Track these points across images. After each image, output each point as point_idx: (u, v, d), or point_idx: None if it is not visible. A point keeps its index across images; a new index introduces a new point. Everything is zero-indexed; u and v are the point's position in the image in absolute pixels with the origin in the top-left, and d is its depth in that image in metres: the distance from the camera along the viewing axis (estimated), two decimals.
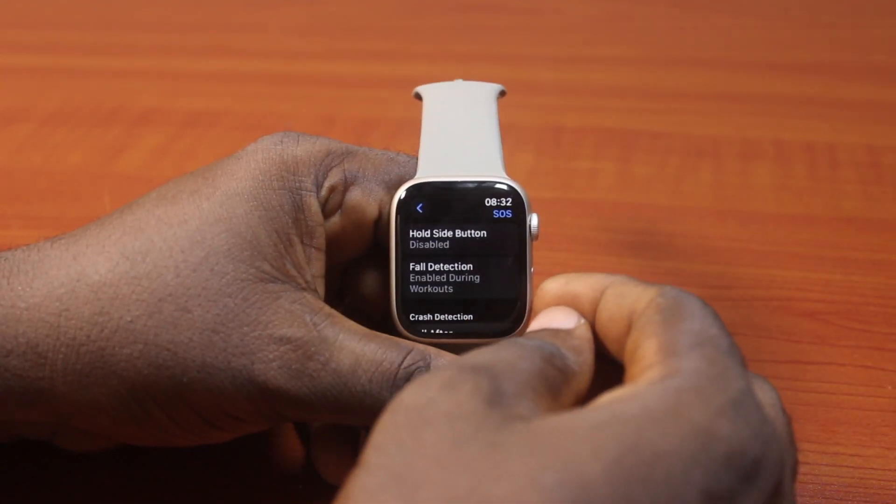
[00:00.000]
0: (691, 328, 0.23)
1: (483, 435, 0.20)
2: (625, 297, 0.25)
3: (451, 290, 0.29)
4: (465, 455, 0.20)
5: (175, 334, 0.26)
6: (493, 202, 0.29)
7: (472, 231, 0.29)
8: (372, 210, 0.30)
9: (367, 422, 0.24)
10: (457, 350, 0.28)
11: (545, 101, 0.60)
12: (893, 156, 0.53)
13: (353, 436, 0.30)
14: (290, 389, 0.27)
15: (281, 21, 0.74)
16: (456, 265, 0.29)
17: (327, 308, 0.28)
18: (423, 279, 0.29)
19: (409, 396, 0.21)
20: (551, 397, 0.23)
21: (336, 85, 0.63)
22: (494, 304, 0.29)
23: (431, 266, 0.29)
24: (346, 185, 0.30)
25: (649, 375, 0.22)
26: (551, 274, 0.28)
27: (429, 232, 0.29)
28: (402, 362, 0.27)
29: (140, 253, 0.27)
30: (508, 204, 0.29)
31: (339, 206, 0.30)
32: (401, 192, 0.29)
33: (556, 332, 0.25)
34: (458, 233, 0.29)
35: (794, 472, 0.24)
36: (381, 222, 0.30)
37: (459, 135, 0.31)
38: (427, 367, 0.27)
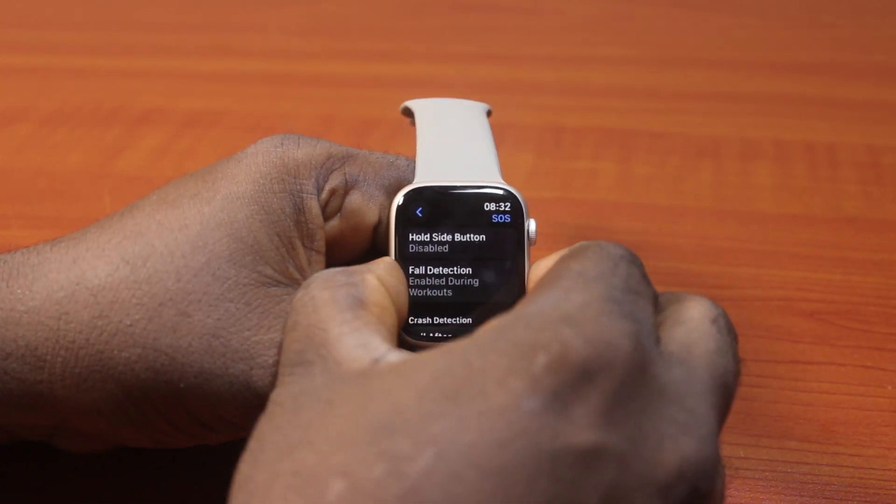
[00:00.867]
0: (570, 266, 0.23)
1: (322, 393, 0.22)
2: None
3: (450, 294, 0.29)
4: (304, 416, 0.22)
5: (174, 339, 0.26)
6: (491, 207, 0.29)
7: (471, 235, 0.29)
8: (372, 214, 0.30)
9: None
10: None
11: (545, 101, 0.60)
12: (893, 156, 0.53)
13: None
14: None
15: (281, 21, 0.74)
16: (455, 269, 0.29)
17: None
18: (422, 283, 0.29)
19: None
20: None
21: (336, 85, 0.63)
22: (493, 308, 0.29)
23: (430, 270, 0.29)
24: (347, 188, 0.30)
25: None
26: None
27: (428, 236, 0.29)
28: None
29: (140, 257, 0.26)
30: (507, 209, 0.29)
31: (339, 209, 0.30)
32: (400, 197, 0.29)
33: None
34: (457, 237, 0.29)
35: (727, 387, 0.23)
36: (380, 226, 0.30)
37: (455, 142, 0.31)
38: None
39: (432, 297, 0.29)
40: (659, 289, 0.39)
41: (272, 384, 0.26)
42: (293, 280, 0.28)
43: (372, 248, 0.31)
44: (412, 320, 0.29)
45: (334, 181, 0.29)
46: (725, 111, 0.58)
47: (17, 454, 0.32)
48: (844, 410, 0.35)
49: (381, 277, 0.26)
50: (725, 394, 0.23)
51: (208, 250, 0.27)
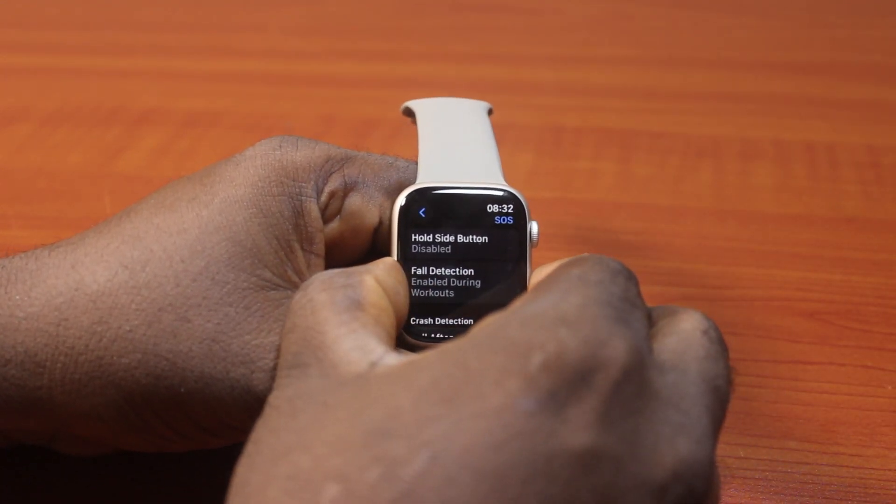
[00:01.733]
0: (570, 271, 0.23)
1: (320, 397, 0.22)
2: None
3: (453, 295, 0.29)
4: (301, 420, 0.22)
5: (174, 344, 0.26)
6: (494, 209, 0.29)
7: (474, 237, 0.29)
8: (372, 216, 0.29)
9: None
10: None
11: (545, 101, 0.60)
12: (893, 156, 0.53)
13: None
14: None
15: (281, 21, 0.74)
16: (457, 270, 0.29)
17: None
18: (424, 283, 0.29)
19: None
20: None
21: (336, 85, 0.63)
22: (494, 309, 0.29)
23: (433, 270, 0.29)
24: (346, 190, 0.29)
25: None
26: None
27: (430, 237, 0.29)
28: None
29: (139, 262, 0.26)
30: (509, 211, 0.29)
31: (339, 211, 0.29)
32: (402, 197, 0.29)
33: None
34: (460, 238, 0.29)
35: (719, 391, 0.23)
36: (380, 227, 0.30)
37: (457, 143, 0.31)
38: None
39: (434, 297, 0.29)
40: (659, 289, 0.39)
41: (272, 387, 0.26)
42: (292, 283, 0.28)
43: (372, 250, 0.30)
44: (414, 321, 0.29)
45: (333, 183, 0.29)
46: (725, 111, 0.58)
47: (17, 458, 0.32)
48: (844, 410, 0.35)
49: (379, 278, 0.26)
50: (718, 398, 0.23)
51: (207, 254, 0.27)
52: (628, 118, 0.57)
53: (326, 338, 0.23)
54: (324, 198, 0.29)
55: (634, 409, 0.20)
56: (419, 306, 0.29)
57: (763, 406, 0.36)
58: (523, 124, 0.57)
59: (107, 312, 0.26)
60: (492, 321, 0.22)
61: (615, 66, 0.65)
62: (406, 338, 0.28)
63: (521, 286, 0.29)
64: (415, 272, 0.29)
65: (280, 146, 0.29)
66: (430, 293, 0.29)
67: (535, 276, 0.28)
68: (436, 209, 0.29)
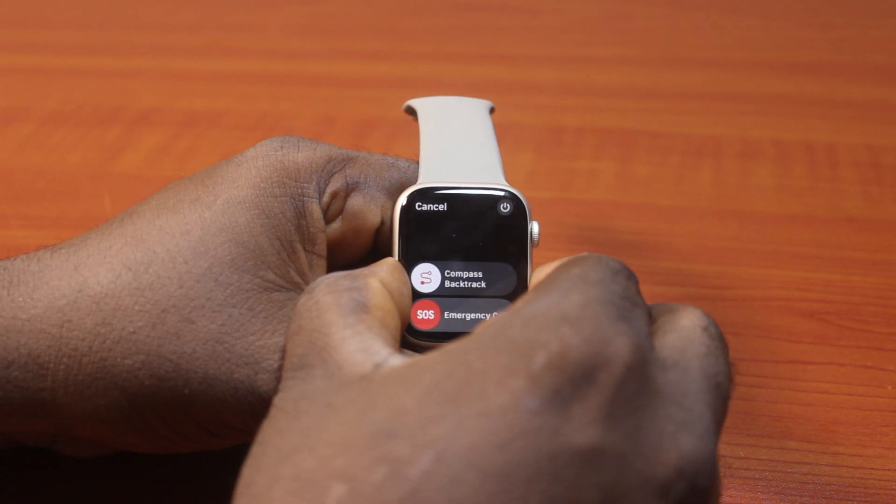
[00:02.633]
0: (571, 270, 0.24)
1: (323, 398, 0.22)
2: None
3: (454, 295, 0.29)
4: (304, 421, 0.22)
5: (178, 345, 0.26)
6: (495, 209, 0.29)
7: (475, 236, 0.29)
8: (374, 216, 0.29)
9: None
10: None
11: (545, 101, 0.60)
12: (893, 156, 0.53)
13: None
14: None
15: (281, 21, 0.74)
16: (458, 270, 0.29)
17: None
18: (426, 283, 0.29)
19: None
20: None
21: (336, 85, 0.63)
22: (495, 309, 0.29)
23: (434, 271, 0.29)
24: (348, 191, 0.29)
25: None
26: None
27: (431, 237, 0.29)
28: None
29: (143, 264, 0.26)
30: (510, 211, 0.29)
31: (340, 212, 0.30)
32: (404, 197, 0.29)
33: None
34: (461, 238, 0.29)
35: (720, 388, 0.23)
36: (382, 228, 0.30)
37: (459, 143, 0.31)
38: None
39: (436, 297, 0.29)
40: (659, 289, 0.39)
41: (277, 388, 0.26)
42: (295, 284, 0.28)
43: (374, 250, 0.31)
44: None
45: (335, 184, 0.29)
46: (725, 111, 0.58)
47: (19, 459, 0.32)
48: (844, 410, 0.35)
49: (383, 280, 0.26)
50: (720, 394, 0.23)
51: (210, 255, 0.27)
52: (628, 118, 0.57)
53: (332, 340, 0.23)
54: (326, 198, 0.29)
55: (637, 406, 0.20)
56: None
57: (763, 406, 0.36)
58: (523, 124, 0.57)
59: (110, 314, 0.26)
60: (494, 321, 0.22)
61: (615, 66, 0.65)
62: (408, 338, 0.28)
63: (521, 286, 0.29)
64: (416, 272, 0.29)
65: (281, 147, 0.29)
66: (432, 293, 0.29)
67: (535, 275, 0.28)
68: (437, 209, 0.29)
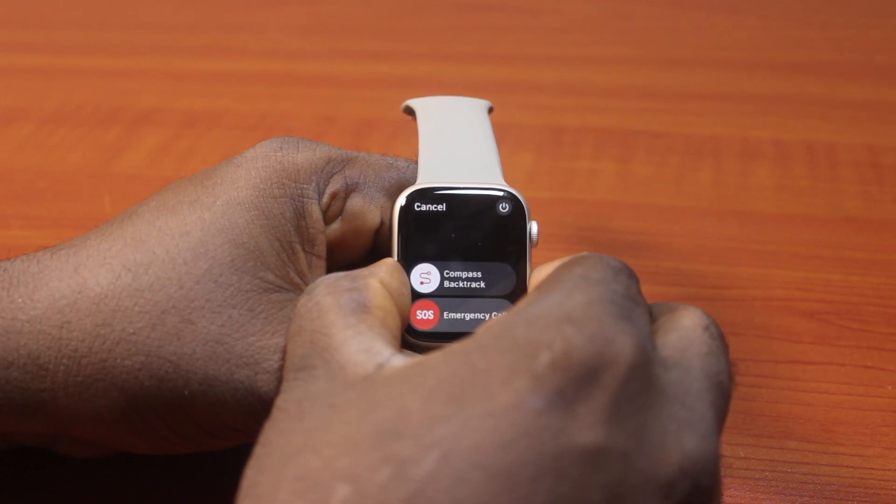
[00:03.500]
0: (572, 270, 0.24)
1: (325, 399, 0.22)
2: None
3: (454, 295, 0.29)
4: (308, 422, 0.22)
5: (178, 346, 0.26)
6: (494, 209, 0.29)
7: (473, 237, 0.29)
8: (373, 216, 0.29)
9: None
10: None
11: (545, 101, 0.60)
12: (893, 156, 0.53)
13: None
14: None
15: (281, 21, 0.74)
16: (457, 270, 0.29)
17: None
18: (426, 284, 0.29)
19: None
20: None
21: (336, 85, 0.63)
22: (495, 308, 0.29)
23: (433, 271, 0.29)
24: (348, 191, 0.29)
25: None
26: None
27: (430, 237, 0.29)
28: None
29: (142, 265, 0.26)
30: (509, 211, 0.29)
31: (340, 213, 0.30)
32: (403, 198, 0.29)
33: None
34: (460, 238, 0.29)
35: (722, 387, 0.23)
36: (381, 228, 0.30)
37: (457, 143, 0.31)
38: None
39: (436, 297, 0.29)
40: (659, 289, 0.39)
41: (277, 389, 0.26)
42: (294, 285, 0.28)
43: (373, 251, 0.31)
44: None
45: (335, 185, 0.29)
46: (725, 111, 0.58)
47: (19, 459, 0.32)
48: (844, 410, 0.35)
49: (383, 281, 0.26)
50: (721, 393, 0.23)
51: (210, 256, 0.27)
52: (628, 118, 0.57)
53: (333, 340, 0.24)
54: (325, 199, 0.29)
55: (641, 405, 0.21)
56: None
57: (763, 406, 0.36)
58: (523, 124, 0.57)
59: (110, 315, 0.26)
60: (497, 321, 0.22)
61: (615, 66, 0.65)
62: (408, 338, 0.28)
63: (520, 286, 0.29)
64: (415, 272, 0.29)
65: (281, 147, 0.29)
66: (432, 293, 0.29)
67: (535, 275, 0.28)
68: (436, 209, 0.29)
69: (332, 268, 0.30)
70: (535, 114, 0.58)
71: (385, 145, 0.54)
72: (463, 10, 0.75)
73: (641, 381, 0.21)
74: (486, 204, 0.29)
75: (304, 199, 0.29)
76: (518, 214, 0.29)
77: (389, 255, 0.29)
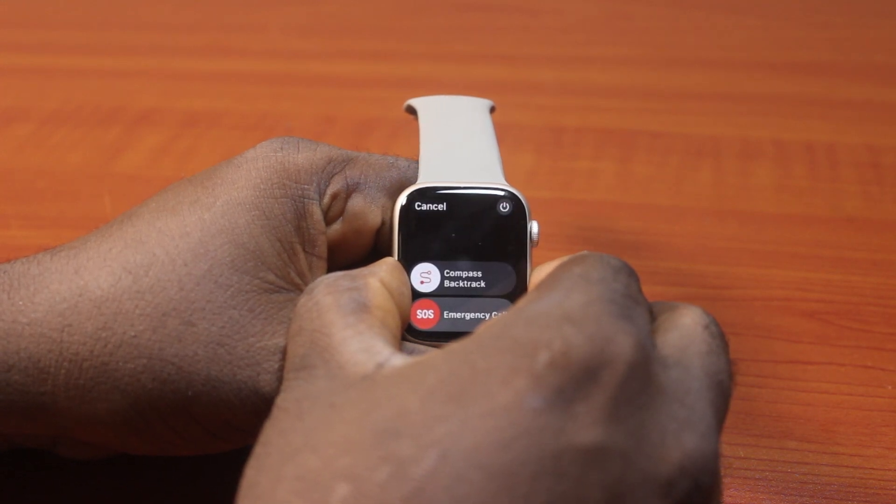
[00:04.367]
0: (572, 269, 0.24)
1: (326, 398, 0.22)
2: None
3: (454, 295, 0.29)
4: (308, 421, 0.22)
5: (180, 348, 0.26)
6: (494, 208, 0.29)
7: (474, 236, 0.29)
8: (374, 216, 0.29)
9: None
10: None
11: (545, 101, 0.60)
12: (893, 156, 0.53)
13: None
14: None
15: (281, 21, 0.74)
16: (458, 269, 0.29)
17: None
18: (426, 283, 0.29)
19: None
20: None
21: (336, 85, 0.63)
22: (495, 308, 0.29)
23: (433, 270, 0.29)
24: (349, 191, 0.29)
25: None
26: None
27: (431, 236, 0.29)
28: None
29: (143, 267, 0.26)
30: (510, 211, 0.29)
31: (341, 213, 0.29)
32: (403, 197, 0.29)
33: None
34: (460, 238, 0.29)
35: (722, 386, 0.23)
36: (382, 228, 0.30)
37: (458, 143, 0.31)
38: None
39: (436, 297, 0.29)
40: (659, 289, 0.39)
41: (279, 389, 0.26)
42: (295, 285, 0.28)
43: (374, 250, 0.31)
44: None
45: (336, 185, 0.29)
46: (725, 111, 0.58)
47: (19, 461, 0.32)
48: (844, 410, 0.35)
49: (383, 280, 0.26)
50: (721, 392, 0.23)
51: (210, 257, 0.27)
52: (628, 118, 0.57)
53: (333, 340, 0.24)
54: (326, 200, 0.29)
55: (640, 404, 0.21)
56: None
57: (763, 406, 0.36)
58: (523, 124, 0.57)
59: (111, 318, 0.26)
60: (497, 321, 0.22)
61: (615, 66, 0.65)
62: (408, 338, 0.28)
63: (521, 285, 0.29)
64: (416, 272, 0.29)
65: (281, 148, 0.29)
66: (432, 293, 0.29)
67: (535, 275, 0.28)
68: (436, 209, 0.29)
69: (332, 268, 0.30)
70: (535, 114, 0.58)
71: (385, 145, 0.54)
72: (463, 10, 0.75)
73: (641, 379, 0.21)
74: (486, 203, 0.29)
75: (305, 200, 0.29)
76: (519, 214, 0.29)
77: (390, 254, 0.29)
